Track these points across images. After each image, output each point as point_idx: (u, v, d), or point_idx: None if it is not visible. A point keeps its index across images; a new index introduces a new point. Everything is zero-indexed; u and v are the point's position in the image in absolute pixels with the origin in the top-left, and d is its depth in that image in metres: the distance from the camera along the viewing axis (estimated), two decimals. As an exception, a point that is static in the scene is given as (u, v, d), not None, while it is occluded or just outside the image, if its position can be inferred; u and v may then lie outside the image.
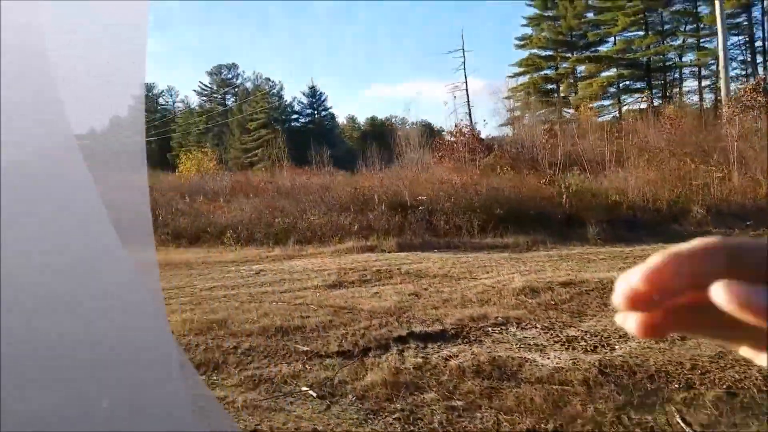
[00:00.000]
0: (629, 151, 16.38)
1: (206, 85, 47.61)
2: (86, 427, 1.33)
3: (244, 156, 40.08)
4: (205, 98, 48.26)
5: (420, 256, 9.42)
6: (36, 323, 1.35)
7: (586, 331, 4.73)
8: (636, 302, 0.34)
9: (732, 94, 20.69)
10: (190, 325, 5.04)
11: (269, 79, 44.53)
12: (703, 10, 30.55)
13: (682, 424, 3.08)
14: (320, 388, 3.67)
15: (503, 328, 4.92)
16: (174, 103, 51.29)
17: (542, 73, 36.71)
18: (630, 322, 0.36)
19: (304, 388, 3.67)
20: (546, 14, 35.65)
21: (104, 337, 1.45)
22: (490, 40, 59.28)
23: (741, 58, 31.66)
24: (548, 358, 4.08)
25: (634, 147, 16.77)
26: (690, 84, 33.57)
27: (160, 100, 50.32)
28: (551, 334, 4.69)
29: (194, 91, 51.15)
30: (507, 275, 7.27)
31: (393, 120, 42.96)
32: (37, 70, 1.36)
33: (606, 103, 34.41)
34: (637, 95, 33.67)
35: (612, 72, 33.75)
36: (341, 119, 49.51)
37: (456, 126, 23.17)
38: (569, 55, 35.82)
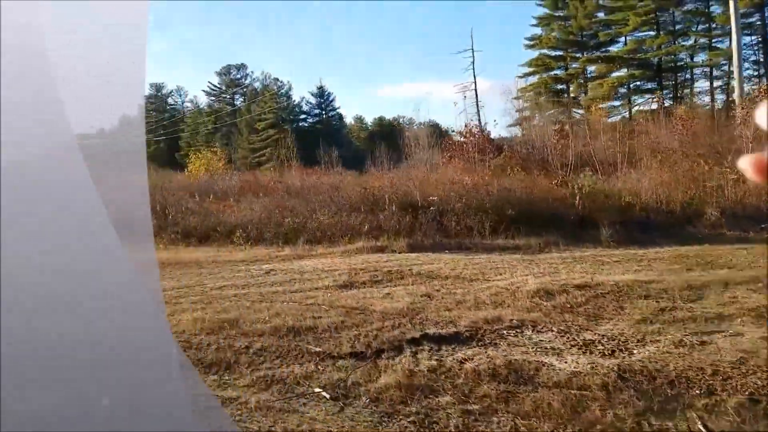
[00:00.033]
0: (641, 152, 16.20)
1: (215, 85, 47.92)
2: (86, 427, 1.31)
3: (253, 156, 40.18)
4: (214, 98, 48.56)
5: (431, 257, 9.36)
6: (36, 323, 1.34)
7: (603, 335, 4.66)
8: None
9: (746, 94, 20.43)
10: (201, 324, 5.02)
11: (278, 79, 44.67)
12: (716, 9, 30.25)
13: (704, 431, 3.01)
14: (333, 389, 3.63)
15: (518, 330, 4.85)
16: (183, 102, 51.67)
17: (552, 73, 36.48)
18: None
19: (317, 390, 3.63)
20: (556, 14, 35.44)
21: (104, 337, 1.44)
22: (499, 40, 59.00)
23: (753, 58, 31.26)
24: (565, 362, 4.01)
25: (646, 148, 16.59)
26: (701, 84, 33.26)
27: (170, 100, 50.75)
28: (567, 338, 4.62)
29: (203, 91, 51.38)
30: (520, 277, 7.20)
31: (401, 120, 42.86)
32: (37, 70, 1.34)
33: (616, 103, 34.16)
34: (648, 96, 33.30)
35: (623, 72, 33.48)
36: (349, 119, 49.49)
37: (466, 126, 23.01)
38: (579, 55, 35.58)
